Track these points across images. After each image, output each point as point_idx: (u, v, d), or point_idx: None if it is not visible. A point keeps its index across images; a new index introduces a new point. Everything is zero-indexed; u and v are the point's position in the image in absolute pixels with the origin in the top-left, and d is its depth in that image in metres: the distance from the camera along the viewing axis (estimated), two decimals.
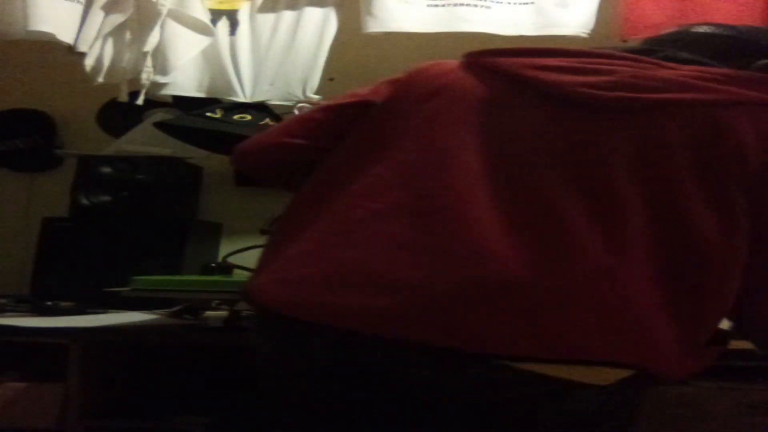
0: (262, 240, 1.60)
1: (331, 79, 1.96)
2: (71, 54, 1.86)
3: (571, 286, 0.84)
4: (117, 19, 1.86)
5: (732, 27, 1.06)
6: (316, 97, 1.87)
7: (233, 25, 1.93)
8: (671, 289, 0.87)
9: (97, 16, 1.86)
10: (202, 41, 1.90)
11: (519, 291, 0.83)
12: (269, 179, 1.34)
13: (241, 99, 1.89)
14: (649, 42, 1.09)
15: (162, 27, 1.85)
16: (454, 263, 0.86)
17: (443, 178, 0.92)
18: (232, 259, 1.69)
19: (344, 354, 0.90)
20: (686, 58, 0.99)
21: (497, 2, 1.80)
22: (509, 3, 1.80)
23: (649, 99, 0.92)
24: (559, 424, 0.86)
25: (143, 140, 2.03)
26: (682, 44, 1.03)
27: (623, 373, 0.85)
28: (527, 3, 1.80)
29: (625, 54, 1.00)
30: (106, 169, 1.97)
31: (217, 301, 1.66)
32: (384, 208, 0.93)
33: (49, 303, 1.74)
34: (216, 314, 1.63)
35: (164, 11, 1.84)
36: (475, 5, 1.80)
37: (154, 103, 2.00)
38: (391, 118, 1.02)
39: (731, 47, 1.03)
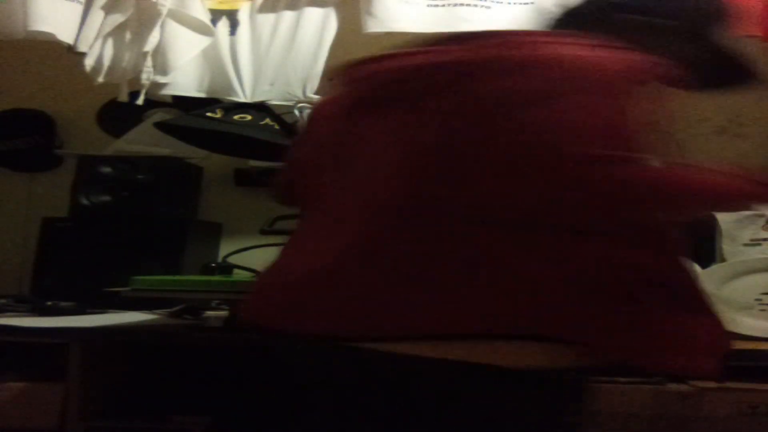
0: (262, 240, 1.61)
1: (331, 79, 1.95)
2: (71, 54, 1.86)
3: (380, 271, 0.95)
4: (117, 19, 1.85)
5: None
6: (316, 97, 1.87)
7: (233, 25, 1.93)
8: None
9: (97, 16, 1.86)
10: (202, 41, 1.89)
11: (337, 280, 0.95)
12: None
13: (241, 99, 1.89)
14: None
15: (162, 27, 1.85)
16: (307, 260, 1.00)
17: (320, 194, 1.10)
18: (232, 259, 1.70)
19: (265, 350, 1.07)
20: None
21: (497, 2, 1.80)
22: (509, 3, 1.80)
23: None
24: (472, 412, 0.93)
25: (143, 140, 2.03)
26: None
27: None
28: (527, 3, 1.80)
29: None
30: (106, 169, 1.97)
31: (217, 301, 1.66)
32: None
33: (49, 303, 1.73)
34: (216, 314, 1.63)
35: (164, 11, 1.84)
36: (475, 5, 1.80)
37: (154, 103, 2.00)
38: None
39: None
